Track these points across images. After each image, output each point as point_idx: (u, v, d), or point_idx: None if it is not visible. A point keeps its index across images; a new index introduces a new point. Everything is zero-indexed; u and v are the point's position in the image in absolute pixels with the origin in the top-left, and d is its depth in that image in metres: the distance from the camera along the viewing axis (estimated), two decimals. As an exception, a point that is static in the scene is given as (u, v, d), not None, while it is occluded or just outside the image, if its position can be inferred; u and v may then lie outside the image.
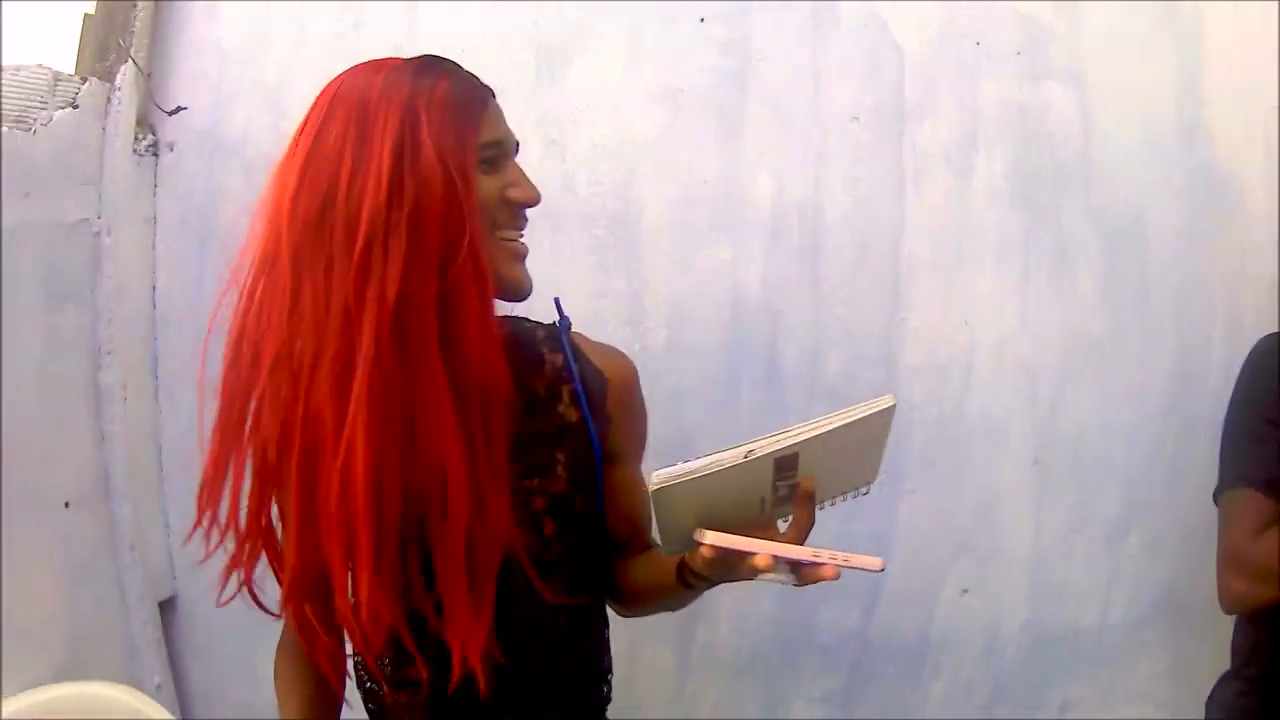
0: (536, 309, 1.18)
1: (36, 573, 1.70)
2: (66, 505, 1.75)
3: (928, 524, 1.88)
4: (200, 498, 1.07)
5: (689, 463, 0.92)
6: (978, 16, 1.84)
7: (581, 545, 1.19)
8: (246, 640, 2.00)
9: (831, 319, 1.87)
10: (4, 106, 1.59)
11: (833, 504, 1.05)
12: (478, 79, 1.12)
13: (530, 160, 1.82)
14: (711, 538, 0.94)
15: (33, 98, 1.65)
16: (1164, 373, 1.83)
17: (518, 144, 1.15)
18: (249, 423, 1.04)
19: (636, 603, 1.29)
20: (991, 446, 1.84)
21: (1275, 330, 1.59)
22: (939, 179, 1.84)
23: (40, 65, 1.67)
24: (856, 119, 1.85)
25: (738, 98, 1.88)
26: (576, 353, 1.19)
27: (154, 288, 1.89)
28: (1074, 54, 1.83)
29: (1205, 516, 1.67)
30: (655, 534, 1.02)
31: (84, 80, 1.73)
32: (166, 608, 1.96)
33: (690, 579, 1.08)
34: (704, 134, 1.87)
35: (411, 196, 0.98)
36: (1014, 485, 1.87)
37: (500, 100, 1.85)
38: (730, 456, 0.92)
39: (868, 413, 0.95)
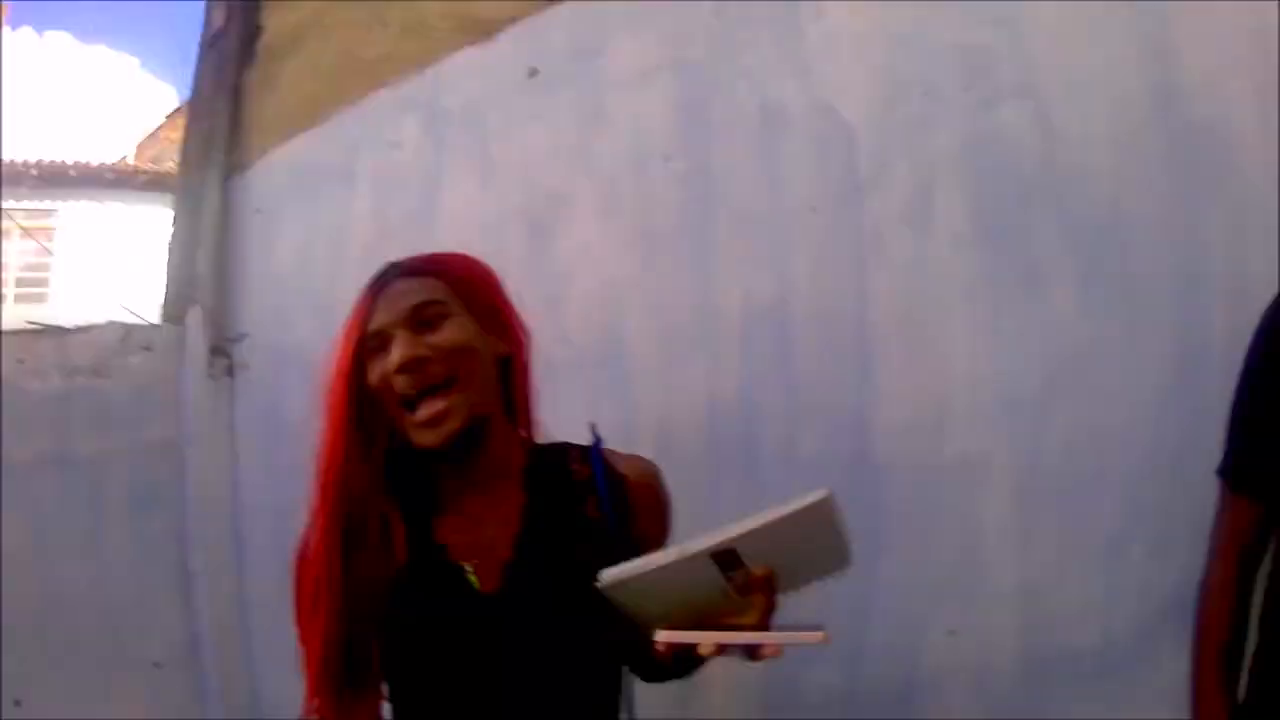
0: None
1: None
2: (156, 666, 1.99)
3: (909, 574, 1.68)
4: None
5: (631, 563, 1.08)
6: (920, 62, 1.76)
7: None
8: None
9: (803, 403, 1.79)
10: (77, 362, 1.99)
11: (809, 584, 1.12)
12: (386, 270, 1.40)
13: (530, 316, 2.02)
14: (664, 636, 1.08)
15: (106, 350, 2.06)
16: (1157, 369, 1.51)
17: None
18: None
19: (656, 676, 1.39)
20: (971, 488, 1.63)
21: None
22: (900, 240, 1.72)
23: (111, 321, 2.10)
24: (814, 208, 1.82)
25: (707, 222, 1.95)
26: (604, 464, 1.39)
27: (234, 486, 2.19)
28: (1024, 67, 1.67)
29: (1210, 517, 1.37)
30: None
31: (157, 326, 2.15)
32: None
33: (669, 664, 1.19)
34: (678, 263, 1.96)
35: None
36: (997, 522, 1.61)
37: (498, 266, 2.06)
38: (663, 556, 1.08)
39: (799, 506, 1.05)
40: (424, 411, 1.27)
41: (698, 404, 1.90)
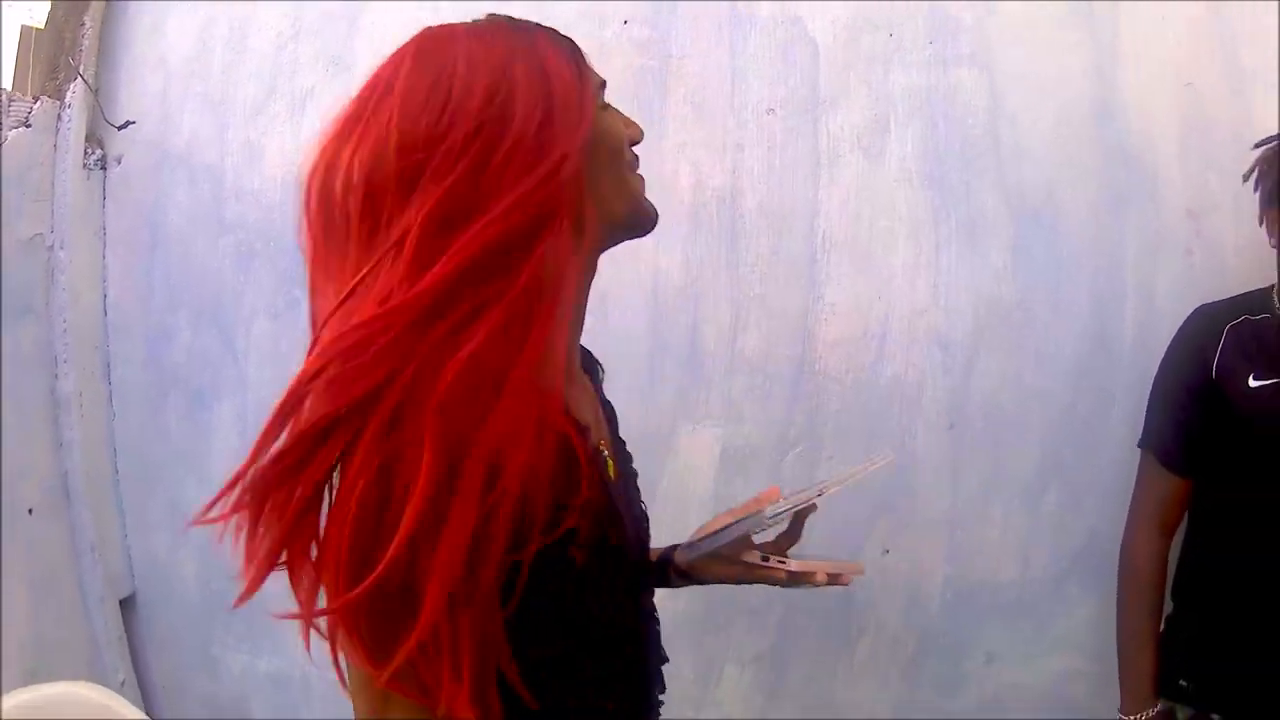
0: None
1: (3, 579, 1.78)
2: (30, 512, 1.83)
3: (846, 489, 1.91)
4: None
5: (713, 537, 1.10)
6: (889, 10, 1.90)
7: None
8: (205, 633, 2.08)
9: (750, 299, 1.95)
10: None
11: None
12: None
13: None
14: (796, 565, 1.13)
15: (-14, 118, 1.75)
16: (1076, 338, 1.85)
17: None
18: None
19: None
20: (907, 413, 1.88)
21: (1191, 296, 1.68)
22: (852, 163, 1.90)
23: (-8, 85, 1.77)
24: (772, 110, 1.93)
25: (659, 95, 1.98)
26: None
27: (105, 297, 1.98)
28: (985, 42, 1.87)
29: (1120, 474, 1.76)
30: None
31: (36, 99, 1.83)
32: (126, 606, 2.04)
33: (674, 579, 1.23)
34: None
35: None
36: (930, 450, 1.90)
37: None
38: (751, 524, 1.08)
39: (872, 469, 1.15)
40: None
41: (643, 277, 1.97)
